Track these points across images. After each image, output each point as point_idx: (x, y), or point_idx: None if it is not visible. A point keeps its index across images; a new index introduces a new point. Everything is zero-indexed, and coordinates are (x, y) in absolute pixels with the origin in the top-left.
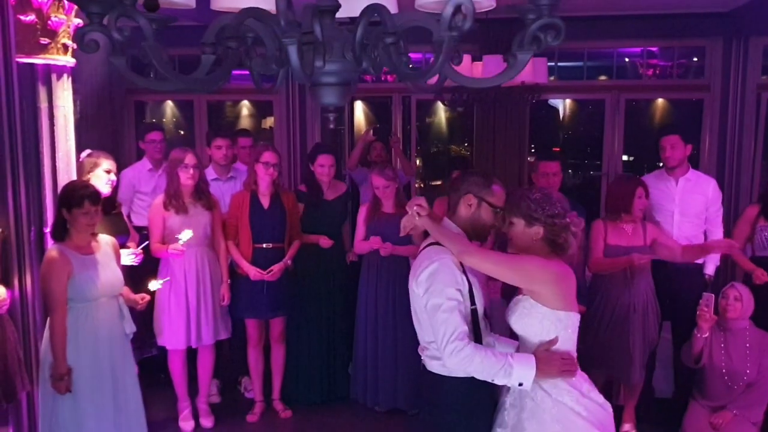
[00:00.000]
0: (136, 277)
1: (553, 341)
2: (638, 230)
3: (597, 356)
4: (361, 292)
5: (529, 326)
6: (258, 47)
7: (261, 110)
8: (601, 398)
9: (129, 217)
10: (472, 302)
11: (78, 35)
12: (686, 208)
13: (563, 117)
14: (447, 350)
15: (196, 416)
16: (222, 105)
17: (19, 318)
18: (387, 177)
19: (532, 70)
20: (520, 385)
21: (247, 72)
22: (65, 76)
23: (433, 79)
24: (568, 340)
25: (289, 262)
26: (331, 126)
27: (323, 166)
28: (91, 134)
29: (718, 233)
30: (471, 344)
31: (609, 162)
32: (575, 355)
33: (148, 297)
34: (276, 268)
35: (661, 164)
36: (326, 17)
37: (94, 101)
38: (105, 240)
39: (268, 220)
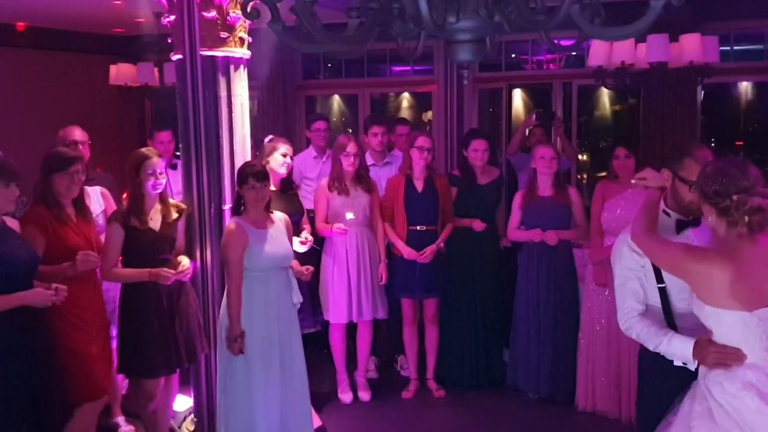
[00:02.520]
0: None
1: (709, 333)
2: None
3: None
4: (520, 277)
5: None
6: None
7: (420, 102)
8: (755, 402)
9: None
10: (660, 280)
11: (243, 4)
12: None
13: (744, 106)
14: (618, 320)
15: (354, 390)
16: (384, 98)
17: (199, 287)
18: (554, 149)
19: (701, 49)
20: (684, 364)
21: (408, 67)
22: (242, 67)
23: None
24: (726, 336)
25: (441, 244)
26: (465, 83)
27: (477, 150)
28: (267, 126)
29: None
30: (634, 318)
31: None
32: (748, 352)
33: (312, 268)
34: (428, 250)
35: None
36: None
37: (270, 97)
38: (279, 216)
39: (421, 203)
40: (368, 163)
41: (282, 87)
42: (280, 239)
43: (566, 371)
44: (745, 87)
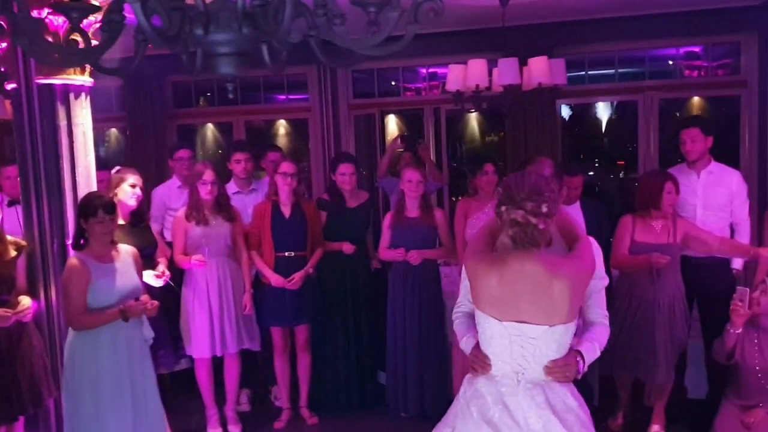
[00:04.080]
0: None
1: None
2: (668, 227)
3: (622, 356)
4: (390, 298)
5: None
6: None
7: (297, 129)
8: (475, 415)
9: (162, 233)
10: None
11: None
12: (709, 201)
13: (608, 126)
14: None
15: (224, 424)
16: (269, 125)
17: (45, 327)
18: (421, 173)
19: (548, 72)
20: None
21: (283, 96)
22: (83, 95)
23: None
24: (485, 341)
25: (310, 269)
26: (230, 96)
27: (344, 174)
28: (136, 157)
29: (744, 226)
30: (460, 311)
31: (644, 164)
32: (496, 363)
33: (157, 303)
34: (297, 276)
35: None
36: None
37: (139, 127)
38: (125, 249)
39: (289, 229)
40: (233, 191)
41: (152, 116)
42: (127, 273)
43: (437, 387)
44: (602, 107)
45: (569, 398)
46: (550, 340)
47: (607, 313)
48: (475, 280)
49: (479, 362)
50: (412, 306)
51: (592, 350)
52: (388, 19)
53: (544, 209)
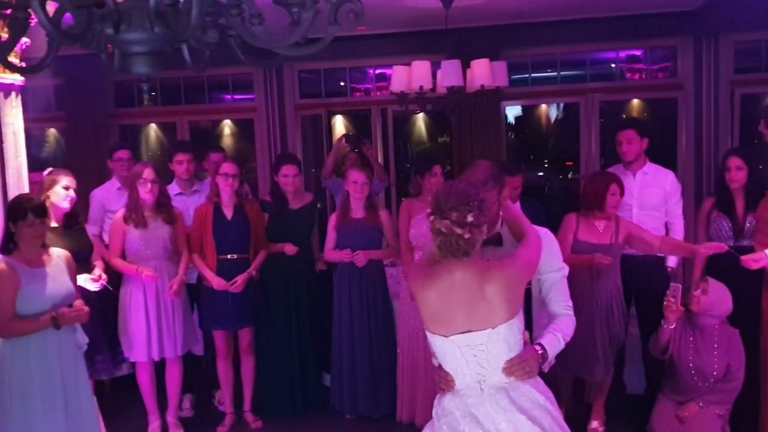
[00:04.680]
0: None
1: None
2: (610, 228)
3: (562, 355)
4: (336, 299)
5: None
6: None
7: (243, 129)
8: (439, 429)
9: (101, 236)
10: None
11: None
12: (644, 201)
13: (555, 127)
14: None
15: (166, 430)
16: (207, 126)
17: None
18: (366, 174)
19: (491, 74)
20: None
21: (229, 96)
22: (13, 93)
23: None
24: (442, 361)
25: (253, 272)
26: (146, 96)
27: (287, 176)
28: (76, 158)
29: (679, 225)
30: None
31: (587, 165)
32: (458, 379)
33: (87, 309)
34: (240, 279)
35: None
36: None
37: (79, 127)
38: (57, 253)
39: (231, 231)
40: (175, 192)
41: (92, 116)
42: (59, 278)
43: (385, 388)
44: (550, 108)
45: (535, 394)
46: (497, 342)
47: (570, 303)
48: (418, 295)
49: (443, 381)
50: (360, 307)
51: (555, 341)
52: (305, 19)
53: (470, 219)
